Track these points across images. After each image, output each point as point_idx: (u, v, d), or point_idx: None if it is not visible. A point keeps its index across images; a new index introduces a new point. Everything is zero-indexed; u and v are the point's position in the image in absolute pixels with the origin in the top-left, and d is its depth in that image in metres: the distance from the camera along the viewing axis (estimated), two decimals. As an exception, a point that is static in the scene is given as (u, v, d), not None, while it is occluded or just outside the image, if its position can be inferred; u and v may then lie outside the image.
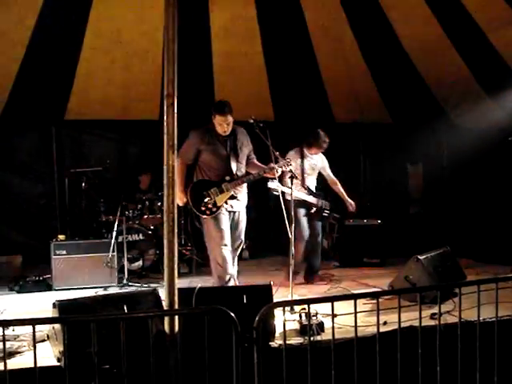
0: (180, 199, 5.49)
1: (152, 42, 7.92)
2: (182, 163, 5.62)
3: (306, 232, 6.83)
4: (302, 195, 6.72)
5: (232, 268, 5.75)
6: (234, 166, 5.74)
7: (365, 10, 7.76)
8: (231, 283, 5.71)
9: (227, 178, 5.67)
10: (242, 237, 5.96)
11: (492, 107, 8.33)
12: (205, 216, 5.61)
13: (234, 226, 5.84)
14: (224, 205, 5.65)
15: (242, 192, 5.85)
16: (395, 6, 7.52)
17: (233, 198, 5.69)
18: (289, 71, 8.75)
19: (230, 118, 5.62)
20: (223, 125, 5.62)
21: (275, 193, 5.99)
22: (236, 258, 5.94)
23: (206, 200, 5.56)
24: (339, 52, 8.44)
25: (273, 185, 6.04)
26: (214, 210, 5.60)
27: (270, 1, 7.74)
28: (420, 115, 9.25)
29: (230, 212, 5.76)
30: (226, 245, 5.65)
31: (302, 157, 6.91)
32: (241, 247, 6.05)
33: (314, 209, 6.86)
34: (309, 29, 8.12)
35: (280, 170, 5.65)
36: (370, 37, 8.21)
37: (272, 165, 5.57)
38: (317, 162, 7.05)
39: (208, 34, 8.07)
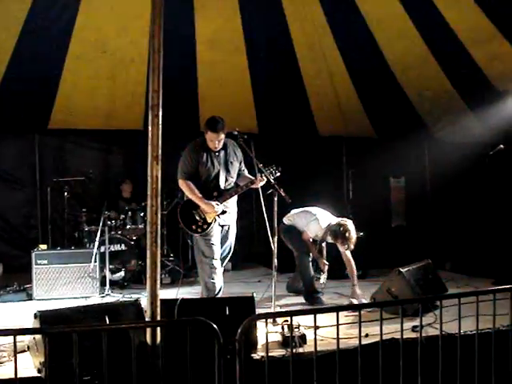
0: (211, 209, 5.57)
1: (137, 52, 7.94)
2: (188, 180, 5.64)
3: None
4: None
5: (221, 281, 5.78)
6: (222, 181, 5.76)
7: (349, 24, 7.82)
8: (219, 296, 5.73)
9: (215, 193, 5.70)
10: (232, 249, 6.03)
11: (474, 121, 8.43)
12: (196, 234, 5.66)
13: (224, 238, 5.91)
14: (215, 219, 5.68)
15: (232, 205, 5.90)
16: (379, 20, 7.60)
17: (223, 212, 5.72)
18: (273, 84, 8.78)
19: (222, 135, 5.62)
20: (214, 141, 5.62)
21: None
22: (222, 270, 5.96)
23: (196, 218, 5.62)
24: (324, 65, 8.48)
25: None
26: (205, 227, 5.65)
27: (256, 13, 7.77)
28: (403, 129, 9.33)
29: (221, 226, 5.82)
30: (216, 259, 5.70)
31: None
32: (228, 259, 6.10)
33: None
34: (294, 42, 8.17)
35: (264, 181, 5.65)
36: (355, 51, 8.27)
37: (258, 176, 5.59)
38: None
39: (193, 45, 8.09)
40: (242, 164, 6.00)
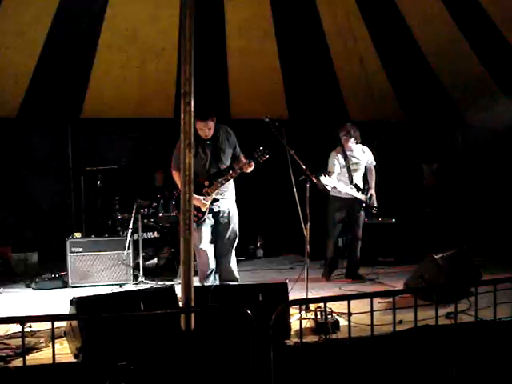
0: (200, 203, 5.70)
1: (167, 40, 7.95)
2: (178, 171, 5.57)
3: (335, 231, 7.04)
4: (353, 192, 6.86)
5: (213, 263, 5.96)
6: (213, 170, 5.88)
7: (380, 8, 7.73)
8: (211, 277, 5.95)
9: (206, 183, 5.82)
10: (236, 231, 6.08)
11: (508, 106, 8.26)
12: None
13: (226, 225, 6.00)
14: (209, 208, 5.81)
15: (228, 190, 5.99)
16: (411, 4, 7.48)
17: (216, 200, 5.84)
18: (303, 70, 8.72)
19: (211, 124, 5.75)
20: (204, 130, 5.74)
21: (328, 187, 6.35)
22: (233, 253, 6.09)
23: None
24: (354, 50, 8.40)
25: (325, 180, 6.23)
26: (200, 215, 5.79)
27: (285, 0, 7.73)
28: (435, 114, 9.21)
29: (217, 212, 5.93)
30: (204, 243, 5.86)
31: (345, 155, 6.98)
32: (236, 241, 6.13)
33: (363, 205, 7.02)
34: (324, 27, 8.10)
35: (252, 166, 5.78)
36: (385, 35, 8.17)
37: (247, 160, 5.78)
38: (359, 157, 7.10)
39: (223, 32, 8.08)
40: (237, 148, 6.07)
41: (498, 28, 7.23)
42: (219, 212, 5.96)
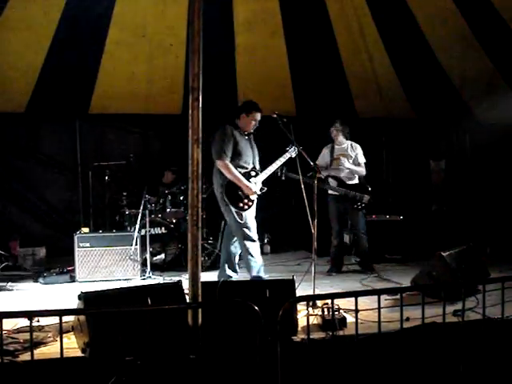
0: (251, 190, 5.85)
1: (175, 36, 7.96)
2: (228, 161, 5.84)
3: (336, 225, 7.25)
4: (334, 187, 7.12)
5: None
6: (256, 161, 6.11)
7: (389, 4, 7.70)
8: (262, 271, 6.01)
9: (253, 173, 5.98)
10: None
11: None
12: (242, 212, 5.86)
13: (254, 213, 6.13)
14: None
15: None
16: (419, 0, 7.45)
17: (261, 190, 6.00)
18: (311, 66, 8.71)
19: (259, 117, 6.00)
20: (257, 121, 5.97)
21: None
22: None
23: (241, 196, 5.84)
24: (362, 47, 8.38)
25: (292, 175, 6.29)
26: (250, 204, 5.92)
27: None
28: (443, 111, 9.18)
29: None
30: (255, 233, 6.00)
31: (333, 150, 7.27)
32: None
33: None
34: (332, 23, 8.08)
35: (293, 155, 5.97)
36: (394, 31, 8.15)
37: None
38: (346, 152, 7.26)
39: (231, 28, 8.08)
40: None
41: (507, 25, 7.19)
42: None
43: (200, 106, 3.65)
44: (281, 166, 6.14)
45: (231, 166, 5.80)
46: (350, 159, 7.23)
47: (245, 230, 5.90)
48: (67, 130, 9.13)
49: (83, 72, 8.26)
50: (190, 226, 3.66)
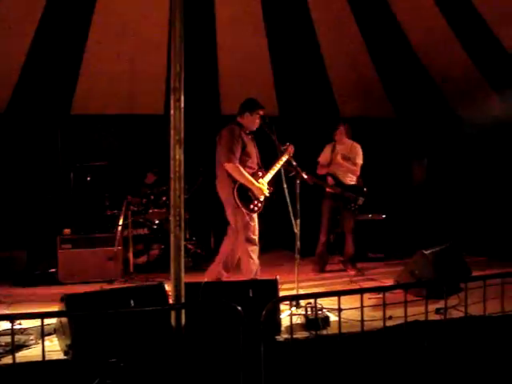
0: (262, 192, 5.76)
1: (157, 36, 7.91)
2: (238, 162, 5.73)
3: (326, 222, 7.33)
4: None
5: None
6: (259, 161, 6.00)
7: (371, 4, 7.74)
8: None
9: (260, 173, 5.88)
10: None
11: (498, 102, 8.30)
12: (253, 213, 5.83)
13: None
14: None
15: None
16: (401, 0, 7.50)
17: (268, 190, 5.92)
18: (294, 66, 8.72)
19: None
20: (259, 120, 5.85)
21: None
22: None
23: (252, 198, 5.75)
24: (344, 47, 8.42)
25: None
26: (260, 205, 5.85)
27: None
28: (425, 110, 9.24)
29: None
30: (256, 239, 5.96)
31: (334, 149, 7.35)
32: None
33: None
34: (314, 23, 8.10)
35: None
36: (376, 31, 8.18)
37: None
38: (346, 151, 7.36)
39: (213, 28, 8.06)
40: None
41: (488, 25, 7.26)
42: None
43: (182, 106, 3.64)
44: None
45: (241, 169, 5.67)
46: (349, 159, 7.28)
47: (250, 233, 5.84)
48: (49, 131, 9.05)
49: (65, 72, 8.19)
50: (172, 226, 3.65)
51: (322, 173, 7.36)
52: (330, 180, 7.28)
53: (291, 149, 5.91)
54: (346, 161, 7.26)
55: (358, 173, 7.33)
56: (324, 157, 7.44)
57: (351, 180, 7.30)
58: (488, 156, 8.68)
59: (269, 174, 5.91)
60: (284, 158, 5.90)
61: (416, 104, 9.24)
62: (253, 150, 5.92)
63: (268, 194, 5.86)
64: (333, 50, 8.56)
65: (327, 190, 7.32)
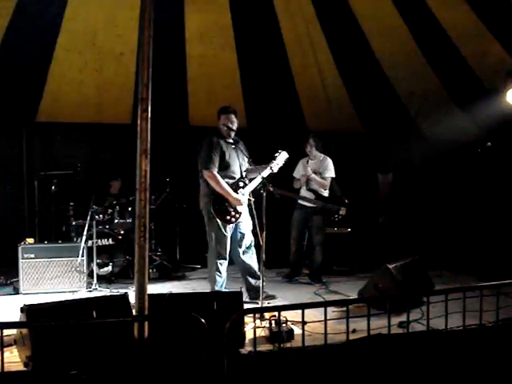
0: (239, 202, 5.78)
1: (126, 45, 7.88)
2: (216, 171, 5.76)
3: (296, 233, 7.46)
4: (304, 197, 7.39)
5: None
6: (242, 171, 6.00)
7: (339, 19, 7.82)
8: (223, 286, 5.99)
9: (241, 183, 5.89)
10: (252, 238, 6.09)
11: (462, 119, 8.45)
12: (229, 224, 5.81)
13: (247, 227, 6.05)
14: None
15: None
16: (369, 16, 7.60)
17: (249, 201, 5.94)
18: (263, 79, 8.76)
19: (235, 118, 5.99)
20: (234, 123, 5.94)
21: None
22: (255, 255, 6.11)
23: (229, 209, 5.76)
24: (313, 60, 8.48)
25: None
26: (238, 216, 5.84)
27: (245, 8, 7.75)
28: (391, 125, 9.36)
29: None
30: (226, 254, 5.92)
31: (306, 163, 7.47)
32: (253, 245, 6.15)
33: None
34: (283, 37, 8.16)
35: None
36: (344, 47, 8.27)
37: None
38: (315, 166, 7.44)
39: (183, 38, 8.06)
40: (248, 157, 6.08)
41: (453, 42, 7.40)
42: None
43: (149, 116, 3.63)
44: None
45: (219, 177, 5.70)
46: (319, 173, 7.36)
47: (221, 248, 5.83)
48: (13, 138, 8.92)
49: (31, 79, 8.09)
50: (136, 237, 3.62)
51: (297, 187, 7.47)
52: (311, 195, 7.35)
53: (282, 158, 6.02)
54: (316, 175, 7.34)
55: (326, 186, 7.38)
56: (297, 171, 7.56)
57: (323, 192, 7.37)
58: (451, 172, 8.83)
59: (252, 184, 5.91)
60: (270, 170, 5.92)
61: (383, 119, 9.35)
62: (235, 159, 5.93)
63: (241, 207, 5.86)
64: (301, 65, 8.62)
65: (299, 201, 7.40)
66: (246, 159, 6.04)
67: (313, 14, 7.75)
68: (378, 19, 7.59)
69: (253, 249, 6.10)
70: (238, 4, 7.64)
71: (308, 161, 7.49)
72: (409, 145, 9.76)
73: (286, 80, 8.79)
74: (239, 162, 5.97)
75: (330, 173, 7.43)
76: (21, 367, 3.80)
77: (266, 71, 8.66)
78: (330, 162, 7.48)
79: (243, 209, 5.92)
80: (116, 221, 7.66)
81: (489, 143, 7.05)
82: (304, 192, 7.41)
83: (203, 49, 8.27)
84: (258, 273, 5.96)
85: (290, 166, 7.52)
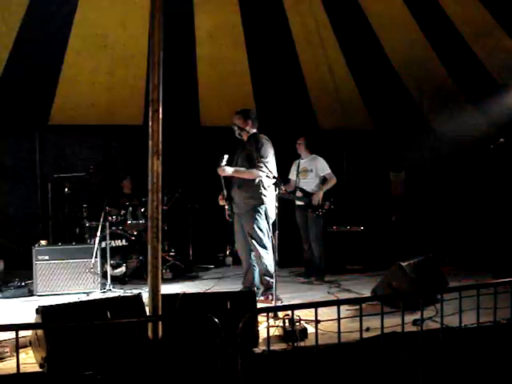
0: (220, 201, 6.19)
1: (137, 47, 7.93)
2: None
3: (303, 233, 7.45)
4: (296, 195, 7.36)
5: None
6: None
7: (349, 17, 7.82)
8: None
9: (227, 182, 6.10)
10: (251, 239, 6.09)
11: (474, 115, 8.41)
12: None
13: (241, 228, 6.21)
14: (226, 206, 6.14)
15: (237, 195, 6.12)
16: (379, 14, 7.59)
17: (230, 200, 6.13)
18: (273, 78, 8.77)
19: (236, 121, 6.12)
20: (235, 126, 6.11)
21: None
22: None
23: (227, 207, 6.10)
24: (323, 59, 8.48)
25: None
26: (227, 212, 6.11)
27: (255, 8, 7.76)
28: (403, 123, 9.33)
29: (235, 213, 6.22)
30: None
31: (299, 163, 7.51)
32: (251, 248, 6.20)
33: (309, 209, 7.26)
34: (293, 36, 8.16)
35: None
36: (355, 44, 8.26)
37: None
38: (308, 165, 7.41)
39: (193, 39, 8.08)
40: (256, 155, 6.03)
41: (464, 39, 7.37)
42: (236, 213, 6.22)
43: (160, 117, 3.63)
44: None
45: None
46: (311, 173, 7.32)
47: None
48: (26, 141, 9.00)
49: (43, 82, 8.16)
50: (149, 238, 3.63)
51: (291, 188, 7.46)
52: (298, 194, 7.33)
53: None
54: (308, 173, 7.36)
55: (331, 182, 7.36)
56: (292, 174, 7.60)
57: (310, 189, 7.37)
58: (464, 169, 8.78)
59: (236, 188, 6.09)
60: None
61: (394, 117, 9.32)
62: (236, 157, 6.12)
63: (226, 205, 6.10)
64: (312, 64, 8.62)
65: (296, 202, 7.43)
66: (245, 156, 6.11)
67: (322, 11, 7.75)
68: (388, 16, 7.58)
69: None
70: (247, 4, 7.66)
71: (300, 161, 7.52)
72: (420, 142, 9.72)
73: (296, 79, 8.80)
74: (236, 160, 6.15)
75: (325, 170, 7.39)
76: (36, 368, 3.82)
77: (276, 70, 8.67)
78: (321, 161, 7.45)
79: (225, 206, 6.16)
80: (129, 222, 7.69)
81: (501, 139, 7.00)
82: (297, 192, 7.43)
83: (213, 49, 8.30)
84: None
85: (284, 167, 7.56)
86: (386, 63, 8.27)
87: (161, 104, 3.63)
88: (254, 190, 5.91)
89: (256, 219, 5.96)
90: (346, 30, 8.09)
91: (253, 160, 5.96)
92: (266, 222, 5.91)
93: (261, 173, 5.87)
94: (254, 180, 5.88)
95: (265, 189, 5.87)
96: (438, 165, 9.30)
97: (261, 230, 5.97)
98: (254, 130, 6.16)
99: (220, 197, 6.13)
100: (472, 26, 7.24)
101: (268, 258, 5.94)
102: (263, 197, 5.87)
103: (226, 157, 5.91)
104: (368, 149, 9.73)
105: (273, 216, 5.82)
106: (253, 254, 6.13)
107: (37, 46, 7.59)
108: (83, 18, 7.42)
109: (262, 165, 5.88)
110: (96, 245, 6.80)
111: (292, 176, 7.56)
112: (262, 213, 5.93)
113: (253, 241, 6.01)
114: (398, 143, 9.54)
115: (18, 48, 7.50)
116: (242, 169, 5.99)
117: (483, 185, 8.42)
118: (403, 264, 5.55)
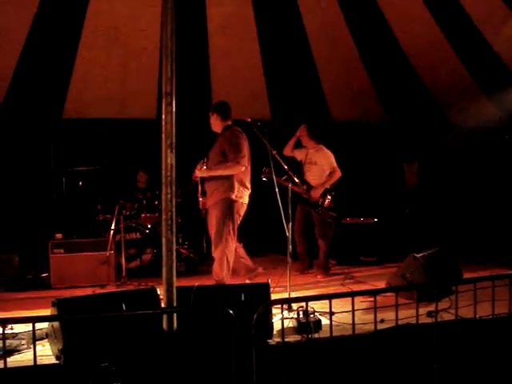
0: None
1: (149, 40, 7.93)
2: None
3: (295, 226, 7.08)
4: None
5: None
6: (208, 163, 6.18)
7: (362, 9, 7.77)
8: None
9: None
10: (213, 234, 6.16)
11: (488, 106, 8.35)
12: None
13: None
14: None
15: (208, 189, 6.16)
16: (393, 5, 7.54)
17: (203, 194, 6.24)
18: (286, 70, 8.75)
19: (211, 118, 6.22)
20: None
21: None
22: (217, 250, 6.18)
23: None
24: (336, 51, 8.45)
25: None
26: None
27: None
28: (416, 114, 9.28)
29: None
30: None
31: (306, 154, 7.37)
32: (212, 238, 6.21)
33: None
34: (306, 28, 8.13)
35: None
36: (368, 36, 8.22)
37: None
38: (314, 157, 7.28)
39: (205, 32, 8.08)
40: (226, 150, 6.03)
41: (478, 30, 7.31)
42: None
43: (173, 110, 3.63)
44: None
45: None
46: (314, 165, 7.27)
47: None
48: (41, 136, 9.03)
49: (56, 76, 8.19)
50: (164, 231, 3.64)
51: (286, 152, 7.31)
52: (305, 186, 7.20)
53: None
54: (312, 165, 7.26)
55: (334, 176, 7.27)
56: (299, 153, 7.44)
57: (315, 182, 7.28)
58: (478, 160, 8.73)
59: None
60: None
61: (408, 108, 9.28)
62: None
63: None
64: (325, 55, 8.59)
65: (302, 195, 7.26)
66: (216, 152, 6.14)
67: (335, 3, 7.71)
68: (402, 7, 7.53)
69: None
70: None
71: (308, 151, 7.38)
72: (434, 134, 9.67)
73: (309, 71, 8.77)
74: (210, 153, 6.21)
75: (329, 164, 7.26)
76: (53, 360, 3.86)
77: (288, 62, 8.65)
78: (324, 154, 7.30)
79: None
80: (143, 215, 7.72)
81: (516, 130, 6.96)
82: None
83: (226, 41, 8.28)
84: None
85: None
86: (399, 54, 8.22)
87: (174, 97, 3.63)
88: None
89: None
90: (360, 22, 8.04)
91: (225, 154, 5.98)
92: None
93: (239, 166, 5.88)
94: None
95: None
96: (452, 156, 9.24)
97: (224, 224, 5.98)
98: (229, 123, 6.12)
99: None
100: (486, 15, 7.16)
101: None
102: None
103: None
104: (381, 140, 9.70)
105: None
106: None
107: (50, 40, 7.61)
108: (95, 11, 7.43)
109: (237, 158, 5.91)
110: (110, 238, 6.84)
111: (298, 153, 7.44)
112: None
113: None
114: (411, 135, 9.50)
115: (31, 42, 7.52)
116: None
117: (498, 175, 8.37)
118: (418, 255, 5.54)
